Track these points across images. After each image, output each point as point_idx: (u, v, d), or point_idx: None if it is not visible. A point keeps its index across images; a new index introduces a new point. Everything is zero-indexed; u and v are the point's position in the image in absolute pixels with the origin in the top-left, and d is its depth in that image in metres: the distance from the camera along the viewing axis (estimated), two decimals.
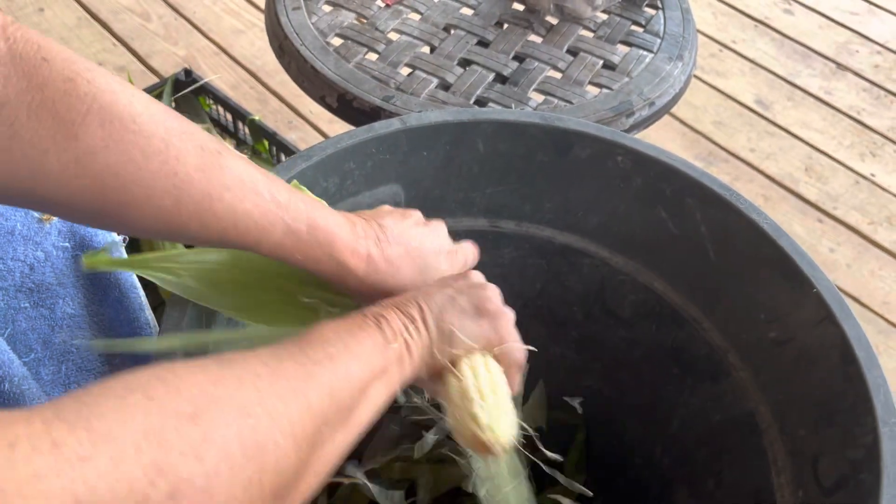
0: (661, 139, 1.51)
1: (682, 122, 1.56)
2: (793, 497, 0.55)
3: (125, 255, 0.58)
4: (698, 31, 1.77)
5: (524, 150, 0.66)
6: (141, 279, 0.91)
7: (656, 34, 0.92)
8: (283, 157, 1.20)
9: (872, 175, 1.49)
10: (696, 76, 1.66)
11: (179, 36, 1.56)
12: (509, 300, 0.80)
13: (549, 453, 0.55)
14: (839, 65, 1.71)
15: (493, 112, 0.65)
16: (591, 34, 0.92)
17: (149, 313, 0.58)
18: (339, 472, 0.73)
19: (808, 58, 1.72)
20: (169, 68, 1.48)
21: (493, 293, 0.50)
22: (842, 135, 1.56)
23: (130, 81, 1.20)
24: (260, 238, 0.44)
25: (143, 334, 0.58)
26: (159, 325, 0.59)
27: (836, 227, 1.40)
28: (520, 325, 0.82)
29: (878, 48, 1.76)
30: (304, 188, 0.54)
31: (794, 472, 0.56)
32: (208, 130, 1.22)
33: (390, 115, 0.78)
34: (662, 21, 0.94)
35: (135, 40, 1.53)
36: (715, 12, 1.82)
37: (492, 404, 0.44)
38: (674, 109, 1.59)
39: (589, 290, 0.75)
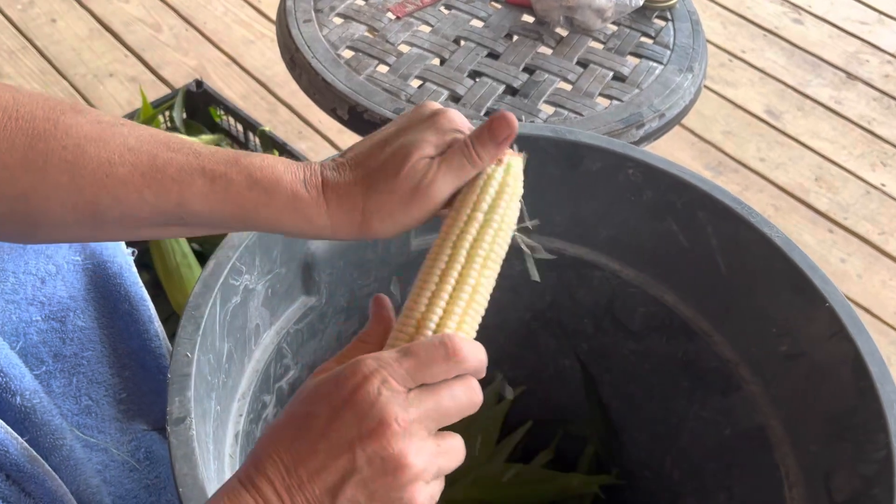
0: (671, 149, 1.51)
1: (691, 131, 1.55)
2: None
3: (135, 271, 0.58)
4: (707, 40, 1.77)
5: (535, 163, 0.66)
6: (150, 291, 0.91)
7: (666, 46, 0.92)
8: None
9: (883, 185, 1.48)
10: (705, 86, 1.65)
11: (190, 46, 1.57)
12: (519, 312, 0.80)
13: None
14: (849, 74, 1.70)
15: None
16: (600, 46, 0.92)
17: (158, 325, 0.59)
18: None
19: (817, 67, 1.71)
20: (180, 79, 1.49)
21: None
22: (852, 144, 1.56)
23: (142, 92, 1.21)
24: (182, 193, 0.38)
25: (152, 346, 0.58)
26: (169, 338, 0.60)
27: (847, 238, 1.39)
28: (529, 336, 0.82)
29: (889, 58, 1.75)
30: None
31: (806, 487, 0.56)
32: (219, 141, 1.23)
33: None
34: (672, 33, 0.94)
35: (146, 51, 1.55)
36: (724, 22, 1.82)
37: None
38: (683, 119, 1.59)
39: (599, 302, 0.75)
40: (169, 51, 1.56)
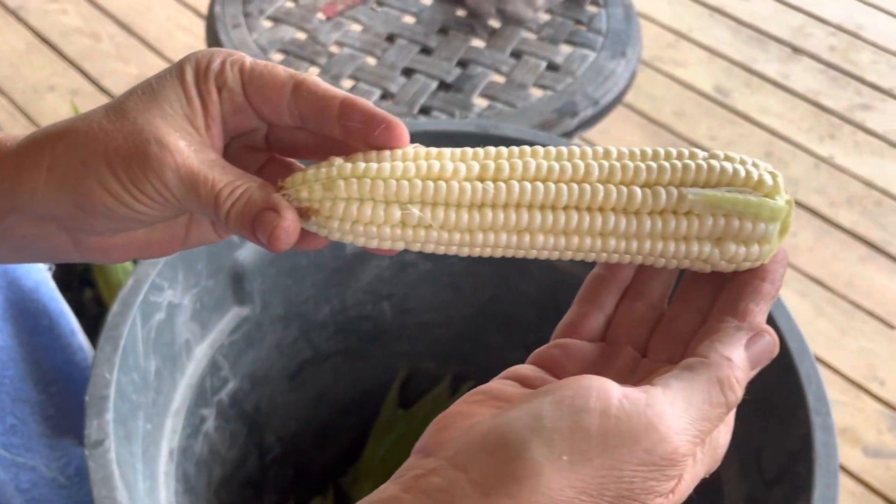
0: (622, 132, 1.51)
1: (641, 114, 1.56)
2: (739, 491, 0.55)
3: (53, 286, 0.57)
4: (654, 21, 1.78)
5: None
6: (94, 308, 0.90)
7: (599, 32, 0.92)
8: None
9: (832, 157, 1.51)
10: (654, 67, 1.66)
11: (131, 55, 1.54)
12: (461, 308, 0.80)
13: None
14: (795, 48, 1.72)
15: (428, 123, 0.65)
16: (534, 36, 0.92)
17: (81, 337, 0.58)
18: None
19: (764, 43, 1.73)
20: (122, 88, 1.46)
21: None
22: (801, 118, 1.58)
23: (73, 106, 1.18)
24: None
25: (77, 359, 0.57)
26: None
27: (798, 211, 1.41)
28: (475, 331, 0.82)
29: (833, 30, 1.77)
30: None
31: (740, 466, 0.56)
32: None
33: None
34: (605, 18, 0.94)
35: (86, 62, 1.52)
36: (671, 1, 1.83)
37: None
38: (633, 101, 1.60)
39: (541, 293, 0.75)
40: (109, 60, 1.53)
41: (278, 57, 0.86)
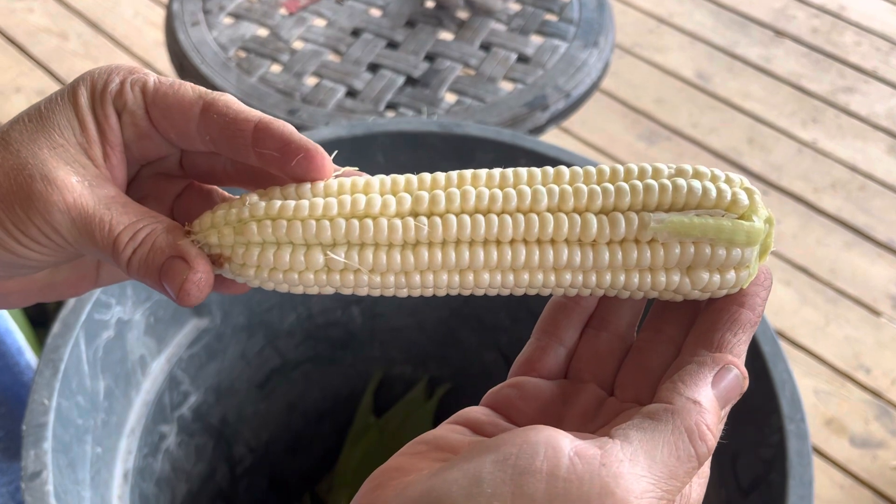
0: (602, 121, 1.49)
1: (622, 102, 1.54)
2: (717, 497, 0.54)
3: None
4: (634, 6, 1.75)
5: (427, 160, 0.64)
6: (35, 315, 0.87)
7: (571, 21, 0.90)
8: None
9: (815, 141, 1.49)
10: (634, 53, 1.64)
11: (100, 53, 1.51)
12: (435, 311, 0.78)
13: None
14: (777, 31, 1.70)
15: (389, 123, 0.63)
16: (503, 27, 0.89)
17: (29, 356, 0.56)
18: None
19: (745, 27, 1.71)
20: None
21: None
22: (783, 103, 1.56)
23: None
24: None
25: (25, 379, 0.55)
26: None
27: (782, 198, 1.40)
28: (449, 334, 0.80)
29: (816, 11, 1.75)
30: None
31: (717, 471, 0.55)
32: None
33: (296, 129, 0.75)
34: (577, 7, 0.92)
35: (53, 62, 1.48)
36: None
37: None
38: (613, 89, 1.58)
39: (512, 294, 0.73)
40: (78, 60, 1.49)
41: (240, 55, 0.83)
